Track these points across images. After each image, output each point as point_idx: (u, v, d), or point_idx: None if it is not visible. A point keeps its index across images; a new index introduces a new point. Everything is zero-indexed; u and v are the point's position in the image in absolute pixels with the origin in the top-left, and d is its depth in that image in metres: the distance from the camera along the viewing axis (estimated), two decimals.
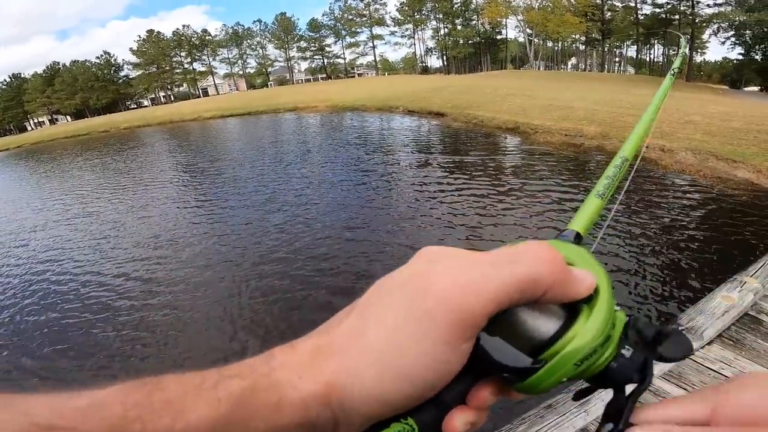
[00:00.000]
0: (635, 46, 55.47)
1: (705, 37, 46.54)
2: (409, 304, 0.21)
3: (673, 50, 51.35)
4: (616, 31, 51.61)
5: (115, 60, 67.58)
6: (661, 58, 56.20)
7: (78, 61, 66.29)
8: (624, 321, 0.23)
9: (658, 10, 43.46)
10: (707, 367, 1.65)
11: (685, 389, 1.56)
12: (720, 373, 1.61)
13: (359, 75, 71.46)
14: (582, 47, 62.36)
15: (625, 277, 3.39)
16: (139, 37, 65.35)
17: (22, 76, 67.81)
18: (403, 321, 0.21)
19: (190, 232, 5.74)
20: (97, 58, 66.77)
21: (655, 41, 52.99)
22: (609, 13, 51.01)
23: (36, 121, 70.67)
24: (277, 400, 0.20)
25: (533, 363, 0.21)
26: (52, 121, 68.29)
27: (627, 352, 0.22)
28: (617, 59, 67.64)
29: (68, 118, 66.68)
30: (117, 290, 4.29)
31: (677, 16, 42.17)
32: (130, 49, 64.81)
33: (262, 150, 12.07)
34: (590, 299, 0.23)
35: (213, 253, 4.94)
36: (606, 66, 58.63)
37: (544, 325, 0.22)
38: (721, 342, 1.77)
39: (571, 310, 0.23)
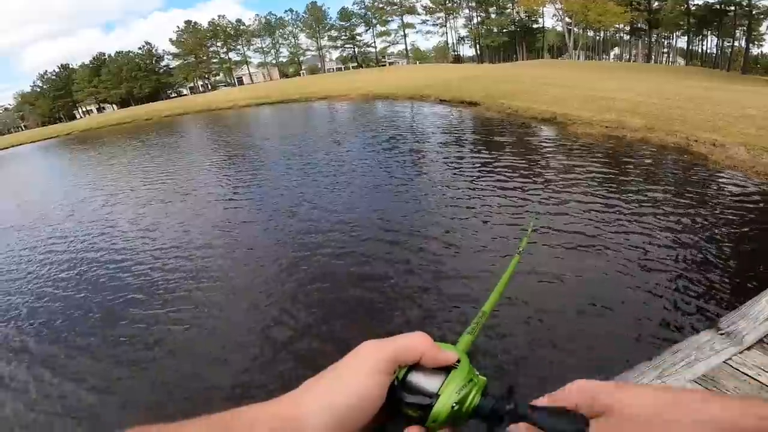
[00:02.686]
0: (686, 37, 51.93)
1: (762, 29, 43.19)
2: (349, 357, 0.35)
3: (728, 42, 47.66)
4: (665, 22, 48.44)
5: (155, 50, 70.38)
6: (715, 50, 52.11)
7: (122, 51, 69.53)
8: (485, 380, 0.35)
9: (711, 0, 40.42)
10: (743, 373, 1.56)
11: None
12: (756, 379, 1.52)
13: (390, 64, 71.07)
14: (626, 37, 59.15)
15: (665, 278, 3.23)
16: (178, 27, 67.77)
17: (71, 66, 71.82)
18: (345, 365, 0.34)
19: (263, 192, 7.13)
20: (140, 48, 69.87)
21: (709, 32, 49.22)
22: (656, 3, 47.90)
23: (84, 109, 74.64)
24: (250, 420, 0.30)
25: (431, 399, 0.33)
26: (100, 110, 71.91)
27: (491, 398, 0.34)
28: (665, 50, 63.57)
29: (114, 106, 70.14)
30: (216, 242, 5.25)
31: (732, 8, 39.13)
32: (170, 40, 67.37)
33: (310, 132, 12.40)
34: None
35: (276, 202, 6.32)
36: (653, 57, 55.24)
37: (434, 380, 0.35)
38: (761, 348, 1.66)
39: (449, 371, 0.35)
